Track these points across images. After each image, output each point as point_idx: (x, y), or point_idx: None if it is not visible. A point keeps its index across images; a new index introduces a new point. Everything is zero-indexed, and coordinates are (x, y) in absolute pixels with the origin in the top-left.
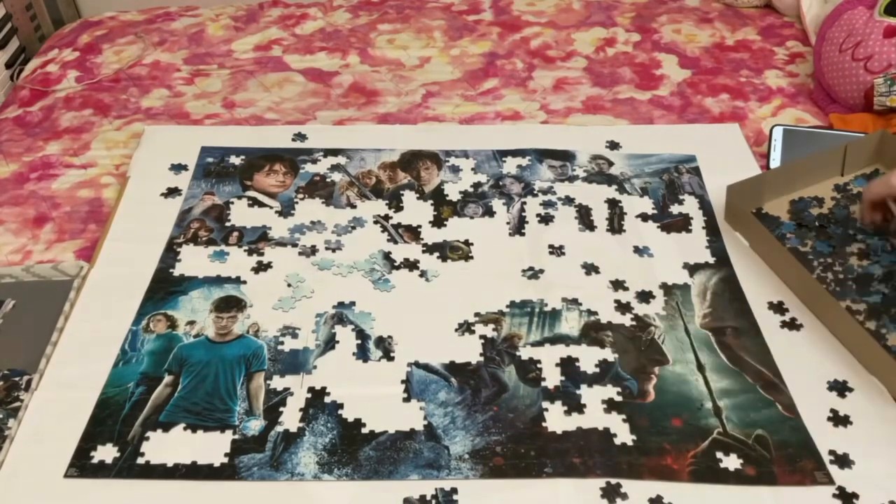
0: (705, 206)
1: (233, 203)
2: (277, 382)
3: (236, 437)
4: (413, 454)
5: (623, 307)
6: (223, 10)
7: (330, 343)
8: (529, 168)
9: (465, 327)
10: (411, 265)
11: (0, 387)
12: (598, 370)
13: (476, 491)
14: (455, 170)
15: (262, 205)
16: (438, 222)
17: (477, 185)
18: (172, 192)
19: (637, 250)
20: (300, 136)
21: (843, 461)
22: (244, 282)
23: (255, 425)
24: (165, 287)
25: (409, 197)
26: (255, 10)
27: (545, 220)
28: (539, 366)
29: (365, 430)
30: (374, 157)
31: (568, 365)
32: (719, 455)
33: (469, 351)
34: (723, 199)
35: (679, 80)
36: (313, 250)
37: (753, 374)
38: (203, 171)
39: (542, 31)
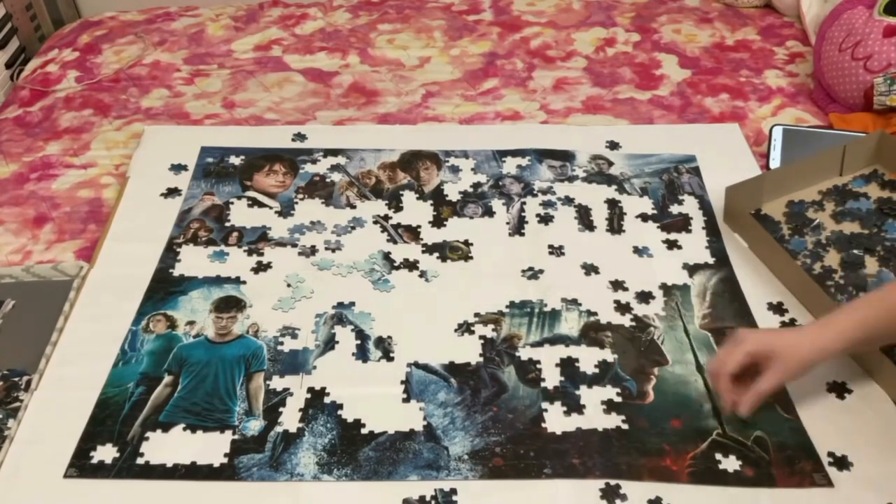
0: (705, 207)
1: (232, 203)
2: (277, 383)
3: (236, 437)
4: (412, 455)
5: (622, 307)
6: (223, 10)
7: (329, 343)
8: (529, 168)
9: (465, 328)
10: (411, 265)
11: (0, 387)
12: (597, 371)
13: (475, 492)
14: (455, 170)
15: (261, 205)
16: (438, 222)
17: (477, 186)
18: (172, 192)
19: (637, 250)
20: (300, 137)
21: (842, 463)
22: (244, 282)
23: (254, 425)
24: (165, 287)
25: (408, 197)
26: (255, 10)
27: (545, 220)
28: (538, 366)
29: (364, 431)
30: (373, 157)
31: (567, 365)
32: (718, 456)
33: (469, 351)
34: (723, 199)
35: (679, 80)
36: (313, 250)
37: None
38: (203, 172)
39: (542, 31)
